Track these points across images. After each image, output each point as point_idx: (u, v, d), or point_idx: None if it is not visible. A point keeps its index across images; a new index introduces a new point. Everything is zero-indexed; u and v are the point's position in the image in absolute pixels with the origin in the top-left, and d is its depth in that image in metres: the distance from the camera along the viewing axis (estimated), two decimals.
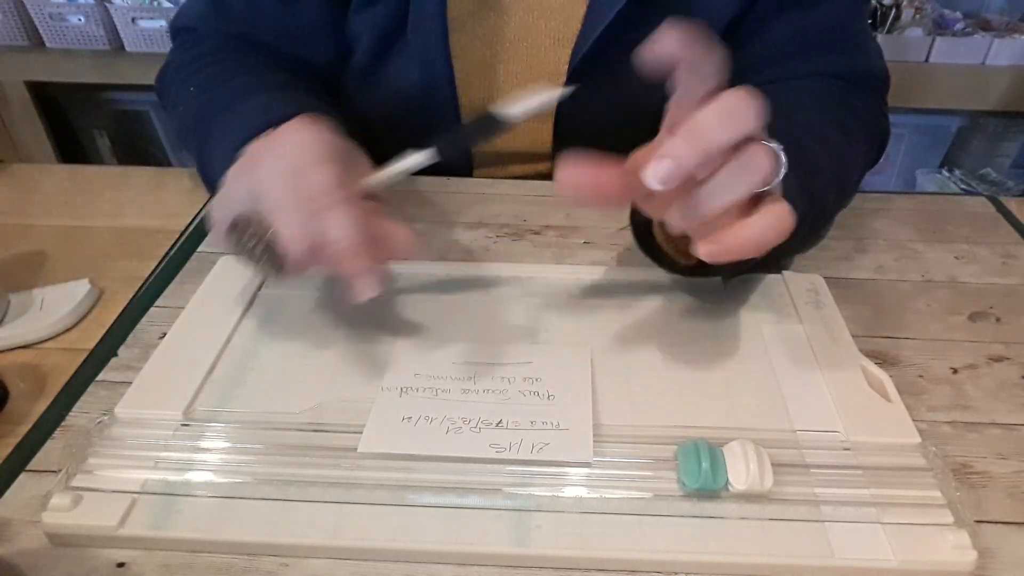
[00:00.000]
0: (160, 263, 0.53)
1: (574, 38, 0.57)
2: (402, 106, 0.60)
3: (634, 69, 0.61)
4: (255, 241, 0.38)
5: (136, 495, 0.34)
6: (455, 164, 0.64)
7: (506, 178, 0.64)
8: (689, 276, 0.47)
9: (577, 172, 0.34)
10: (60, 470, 0.35)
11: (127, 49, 1.43)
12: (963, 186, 1.60)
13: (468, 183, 0.63)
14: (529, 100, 0.36)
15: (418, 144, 0.62)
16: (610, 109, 0.60)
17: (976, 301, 0.50)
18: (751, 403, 0.40)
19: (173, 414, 0.38)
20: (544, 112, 0.60)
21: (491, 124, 0.37)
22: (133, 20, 1.39)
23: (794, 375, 0.42)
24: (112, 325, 0.46)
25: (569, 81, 0.58)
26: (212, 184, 0.51)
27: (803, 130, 0.49)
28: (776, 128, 0.48)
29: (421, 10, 0.55)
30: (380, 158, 0.65)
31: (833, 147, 0.50)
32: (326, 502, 0.34)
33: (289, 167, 0.37)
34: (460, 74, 0.58)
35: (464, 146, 0.37)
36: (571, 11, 0.57)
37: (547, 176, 0.65)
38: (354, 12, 0.58)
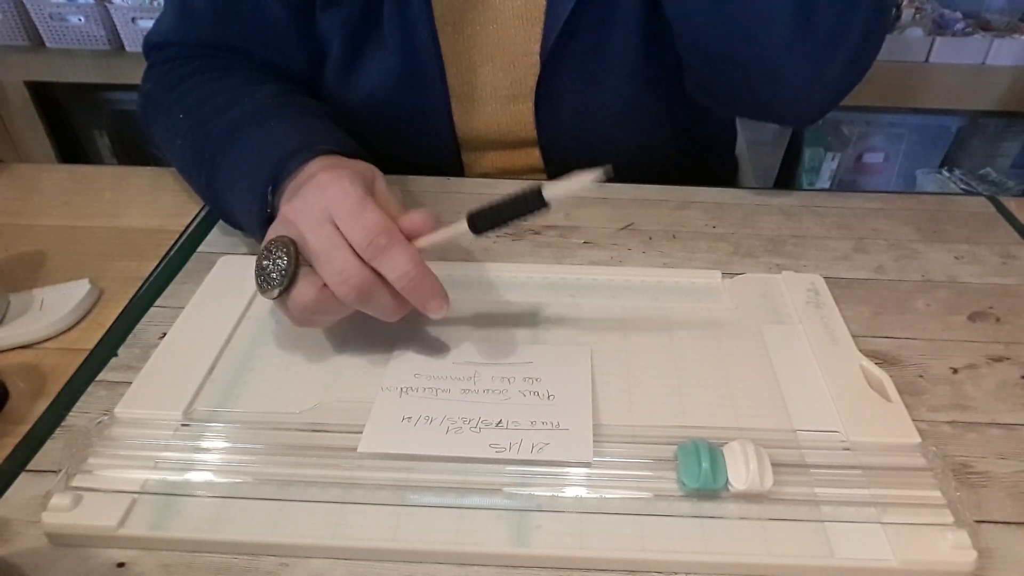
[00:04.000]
0: (160, 263, 0.53)
1: (541, 17, 0.57)
2: (388, 100, 0.61)
3: (606, 46, 0.61)
4: (284, 264, 0.38)
5: (136, 495, 0.34)
6: (441, 148, 0.64)
7: (496, 175, 0.64)
8: None
9: None
10: (60, 470, 0.35)
11: (127, 49, 1.43)
12: (963, 186, 1.60)
13: (468, 183, 0.63)
14: (571, 183, 0.35)
15: (405, 141, 0.62)
16: (587, 87, 0.60)
17: (976, 301, 0.50)
18: (751, 403, 0.40)
19: (173, 414, 0.38)
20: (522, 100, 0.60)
21: (532, 202, 0.37)
22: (133, 20, 1.39)
23: (794, 375, 0.42)
24: (112, 325, 0.46)
25: (544, 62, 0.58)
26: (229, 218, 0.52)
27: None
28: None
29: (404, 6, 0.55)
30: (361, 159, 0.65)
31: None
32: (326, 502, 0.34)
33: (335, 213, 0.38)
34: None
35: (500, 221, 0.38)
36: None
37: (537, 169, 0.65)
38: (321, 11, 0.58)
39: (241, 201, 0.47)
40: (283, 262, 0.38)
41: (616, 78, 0.60)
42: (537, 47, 0.58)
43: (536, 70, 0.59)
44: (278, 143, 0.46)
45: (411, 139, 0.63)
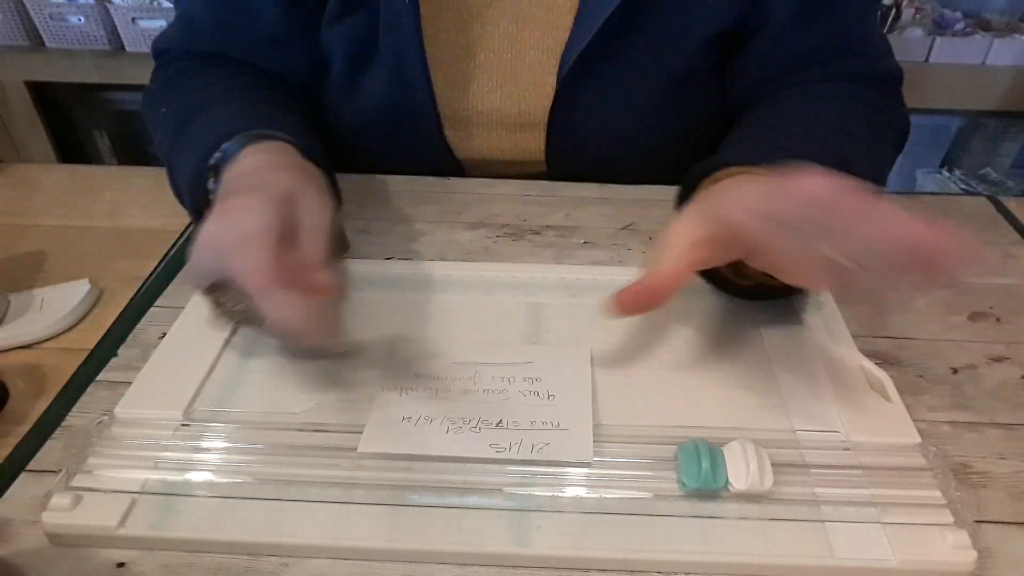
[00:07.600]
0: (160, 263, 0.53)
1: (560, 48, 0.57)
2: (382, 118, 0.61)
3: (622, 77, 0.61)
4: (233, 303, 0.40)
5: (136, 495, 0.34)
6: (439, 167, 0.64)
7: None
8: (742, 297, 0.47)
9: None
10: (60, 470, 0.35)
11: (127, 49, 1.43)
12: (963, 186, 1.60)
13: (468, 183, 0.63)
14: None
15: (403, 159, 0.62)
16: (601, 118, 0.59)
17: (976, 301, 0.50)
18: (751, 403, 0.40)
19: (173, 414, 0.38)
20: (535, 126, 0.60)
21: None
22: (133, 20, 1.39)
23: (794, 375, 0.42)
24: (112, 325, 0.46)
25: (557, 92, 0.57)
26: (180, 198, 0.51)
27: (841, 135, 0.49)
28: (816, 135, 0.49)
29: (394, 22, 0.55)
30: (363, 168, 0.65)
31: (864, 147, 0.50)
32: (326, 502, 0.34)
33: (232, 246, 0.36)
34: (438, 85, 0.58)
35: None
36: (557, 21, 0.56)
37: (543, 176, 0.65)
38: (326, 26, 0.58)
39: (187, 188, 0.47)
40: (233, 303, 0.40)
41: (633, 109, 0.59)
42: (553, 79, 0.58)
43: (549, 101, 0.58)
44: (220, 125, 0.46)
45: (408, 158, 0.63)
